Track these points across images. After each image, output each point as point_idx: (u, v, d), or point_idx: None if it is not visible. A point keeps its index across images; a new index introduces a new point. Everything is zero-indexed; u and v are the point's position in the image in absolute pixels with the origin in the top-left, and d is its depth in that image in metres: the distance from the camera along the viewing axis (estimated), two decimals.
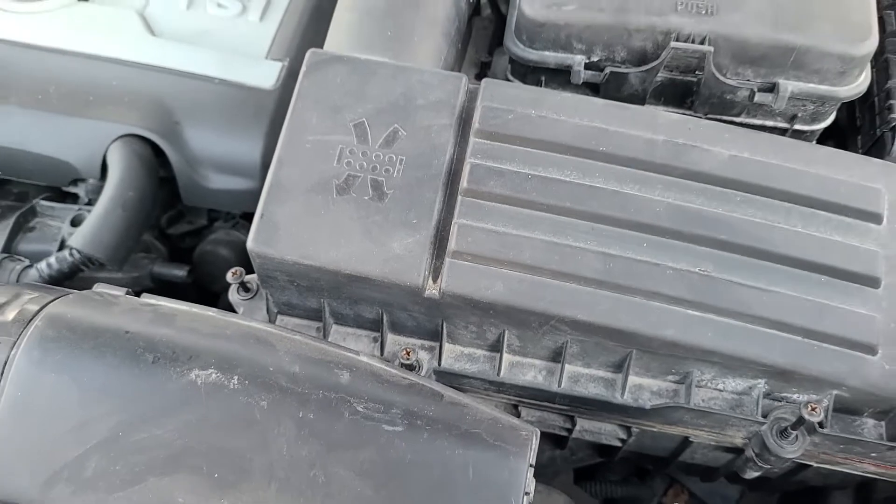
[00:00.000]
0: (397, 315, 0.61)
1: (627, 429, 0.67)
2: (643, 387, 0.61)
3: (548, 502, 0.65)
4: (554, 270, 0.56)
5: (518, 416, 0.68)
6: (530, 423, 0.66)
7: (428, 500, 0.48)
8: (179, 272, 0.86)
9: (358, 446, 0.49)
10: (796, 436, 0.56)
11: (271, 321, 0.64)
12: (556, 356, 0.61)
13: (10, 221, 0.84)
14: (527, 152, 0.60)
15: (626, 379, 0.60)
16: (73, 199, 0.88)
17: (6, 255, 0.80)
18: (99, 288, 0.60)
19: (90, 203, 0.86)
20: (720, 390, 0.61)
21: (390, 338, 0.62)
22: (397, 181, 0.58)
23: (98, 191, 0.85)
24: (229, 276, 0.64)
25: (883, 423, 0.60)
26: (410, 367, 0.59)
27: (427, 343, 0.64)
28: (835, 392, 0.57)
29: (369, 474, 0.48)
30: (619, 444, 0.70)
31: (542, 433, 0.75)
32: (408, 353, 0.59)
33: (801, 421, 0.55)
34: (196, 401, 0.50)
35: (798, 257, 0.58)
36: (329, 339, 0.64)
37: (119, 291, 0.60)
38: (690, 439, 0.65)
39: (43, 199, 0.87)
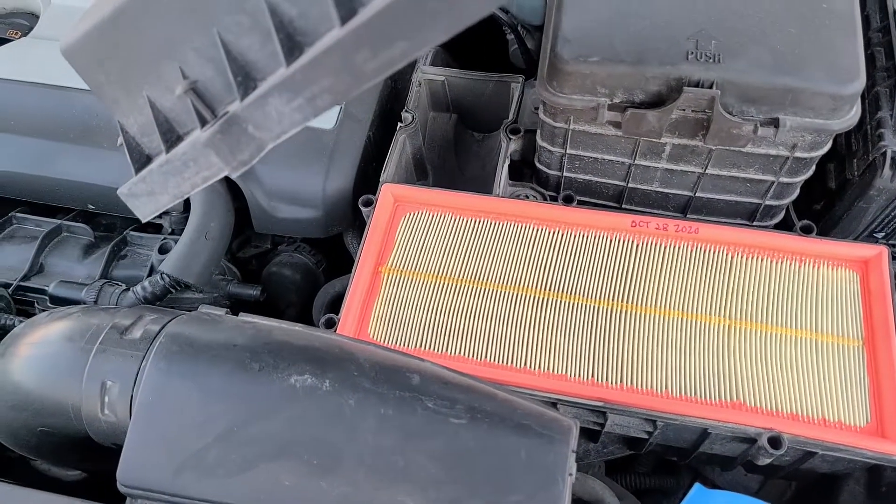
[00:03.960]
0: (190, 61, 0.56)
1: (653, 422, 0.77)
2: None
3: (585, 486, 0.75)
4: None
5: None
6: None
7: (488, 480, 0.58)
8: (253, 292, 0.98)
9: (430, 436, 0.59)
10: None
11: (137, 165, 0.61)
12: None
13: (106, 250, 0.96)
14: None
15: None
16: (157, 229, 1.00)
17: (105, 280, 0.92)
18: (204, 308, 0.71)
19: (173, 232, 0.98)
20: None
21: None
22: None
23: (181, 222, 0.97)
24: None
25: None
26: (213, 115, 0.53)
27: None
28: None
29: (441, 459, 0.58)
30: (645, 436, 0.79)
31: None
32: (189, 85, 0.53)
33: None
34: (296, 401, 0.60)
35: None
36: (172, 148, 0.58)
37: (220, 311, 0.71)
38: (709, 430, 0.75)
39: (132, 229, 0.99)
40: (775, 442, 0.71)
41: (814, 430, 0.72)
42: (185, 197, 0.61)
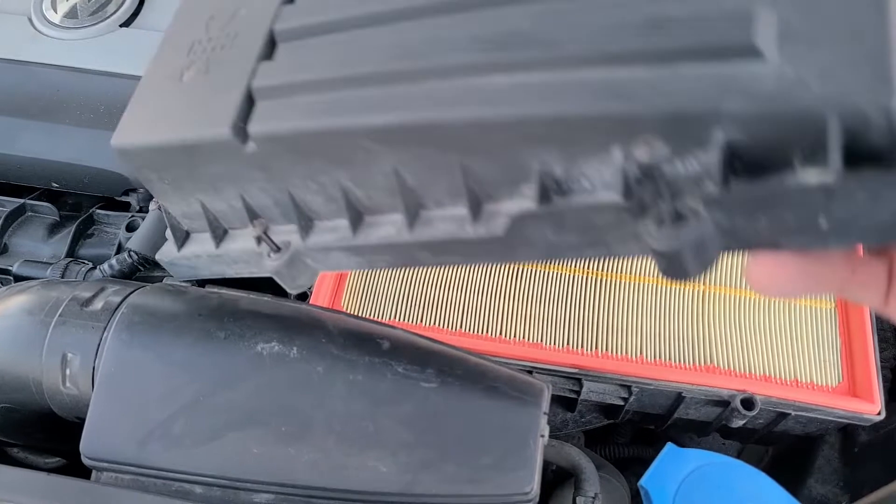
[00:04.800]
0: (253, 194, 0.58)
1: (628, 388, 0.76)
2: (499, 212, 0.49)
3: (561, 453, 0.75)
4: (345, 78, 0.49)
5: None
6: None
7: (459, 443, 0.57)
8: None
9: (400, 401, 0.58)
10: (679, 214, 0.37)
11: (180, 243, 0.63)
12: (406, 205, 0.52)
13: (71, 229, 0.93)
14: None
15: (473, 205, 0.49)
16: (125, 207, 0.98)
17: (71, 258, 0.90)
18: (168, 281, 0.70)
19: (141, 210, 0.96)
20: (588, 190, 0.44)
21: (271, 229, 0.58)
22: (227, 53, 0.55)
23: (148, 199, 0.95)
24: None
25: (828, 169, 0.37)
26: (277, 249, 0.56)
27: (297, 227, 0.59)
28: (721, 135, 0.37)
29: (411, 423, 0.57)
30: (621, 402, 0.79)
31: (554, 397, 0.85)
32: (255, 226, 0.55)
33: (653, 174, 0.35)
34: (263, 368, 0.59)
35: None
36: (223, 244, 0.62)
37: (185, 285, 0.69)
38: (683, 394, 0.75)
39: (98, 208, 0.97)
40: (748, 403, 0.71)
41: (786, 390, 0.73)
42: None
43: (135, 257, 0.87)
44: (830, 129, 0.34)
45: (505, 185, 0.49)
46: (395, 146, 0.50)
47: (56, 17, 1.00)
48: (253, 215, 0.59)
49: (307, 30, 0.55)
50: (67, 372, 0.62)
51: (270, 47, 0.55)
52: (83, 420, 0.60)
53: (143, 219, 0.90)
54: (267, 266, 0.57)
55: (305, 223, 0.57)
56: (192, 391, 0.59)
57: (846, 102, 0.34)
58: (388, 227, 0.54)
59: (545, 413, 0.59)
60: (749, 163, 0.38)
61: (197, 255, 0.66)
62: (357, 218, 0.55)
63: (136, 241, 0.87)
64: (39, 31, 0.99)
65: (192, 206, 0.61)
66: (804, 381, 0.74)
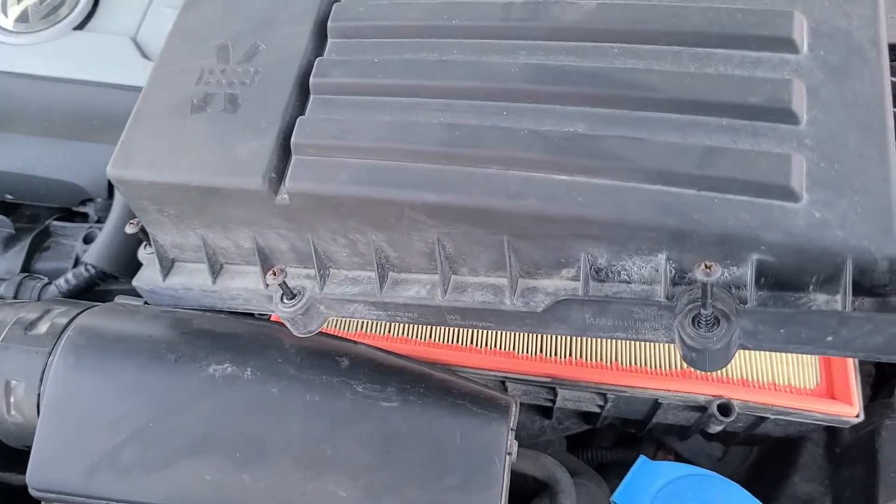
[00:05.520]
0: (268, 237, 0.58)
1: (604, 395, 0.74)
2: (537, 289, 0.53)
3: (537, 464, 0.73)
4: (397, 150, 0.51)
5: (506, 391, 0.76)
6: (516, 395, 0.73)
7: (422, 464, 0.55)
8: None
9: (359, 422, 0.56)
10: (716, 319, 0.46)
11: (165, 272, 0.63)
12: (442, 271, 0.55)
13: (26, 242, 0.90)
14: (378, 41, 0.56)
15: (512, 279, 0.53)
16: (83, 217, 0.95)
17: (26, 273, 0.86)
18: (120, 300, 0.67)
19: (100, 221, 0.92)
20: (626, 281, 0.51)
21: (273, 268, 0.58)
22: (252, 91, 0.55)
23: (106, 209, 0.91)
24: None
25: (837, 296, 0.47)
26: (292, 295, 0.56)
27: (312, 272, 0.60)
28: (755, 256, 0.46)
29: (371, 445, 0.55)
30: (598, 410, 0.77)
31: (530, 405, 0.83)
32: (274, 273, 0.54)
33: (706, 291, 0.44)
34: (215, 392, 0.57)
35: (689, 99, 0.49)
36: (219, 279, 0.61)
37: (138, 302, 0.66)
38: (660, 401, 0.72)
39: (55, 219, 0.93)
40: (725, 409, 0.69)
41: (764, 394, 0.71)
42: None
43: (92, 271, 0.83)
44: (846, 266, 0.43)
45: (548, 266, 0.52)
46: (444, 221, 0.51)
47: (7, 22, 0.96)
48: (263, 257, 0.58)
49: (348, 88, 0.54)
50: (12, 399, 0.59)
51: (303, 96, 0.55)
52: (31, 448, 0.57)
53: (101, 230, 0.87)
54: (279, 311, 0.56)
55: (324, 272, 0.57)
56: (142, 417, 0.56)
57: (860, 246, 0.43)
58: (418, 287, 0.55)
59: (512, 429, 0.57)
60: (774, 280, 0.46)
61: (187, 288, 0.62)
62: (385, 275, 0.56)
63: (93, 255, 0.84)
64: None
65: (188, 238, 0.60)
66: (782, 383, 0.72)
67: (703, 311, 0.45)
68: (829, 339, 0.46)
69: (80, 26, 0.96)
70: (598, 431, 1.02)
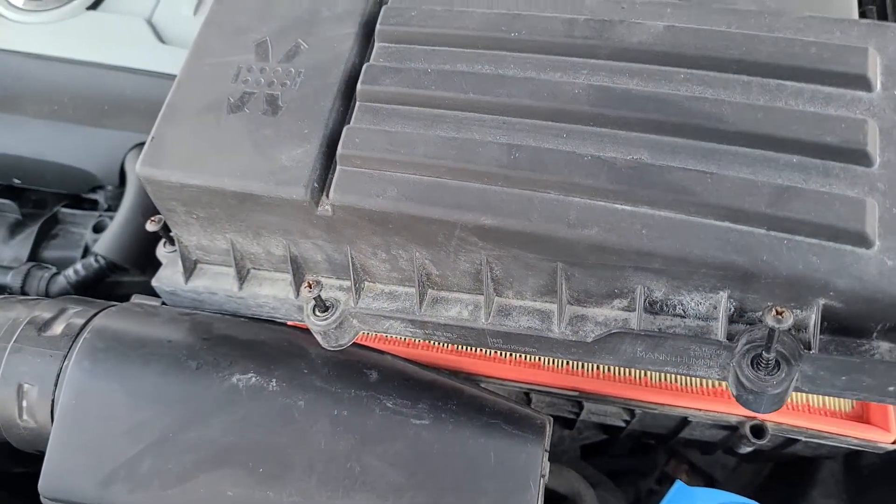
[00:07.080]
0: (303, 247, 0.55)
1: (631, 411, 0.72)
2: (586, 317, 0.51)
3: (560, 479, 0.71)
4: (453, 168, 0.49)
5: (529, 402, 0.73)
6: (541, 408, 0.71)
7: (454, 486, 0.53)
8: None
9: (389, 439, 0.53)
10: (776, 362, 0.44)
11: (188, 272, 0.61)
12: (481, 285, 0.53)
13: (34, 229, 0.87)
14: (430, 49, 0.54)
15: (561, 306, 0.51)
16: (93, 205, 0.91)
17: (34, 263, 0.83)
18: (137, 299, 0.64)
19: (110, 209, 0.89)
20: (681, 315, 0.50)
21: (307, 279, 0.56)
22: (293, 94, 0.53)
23: (117, 197, 0.88)
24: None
25: None
26: (325, 308, 0.54)
27: (346, 284, 0.57)
28: (822, 301, 0.44)
29: (400, 464, 0.53)
30: (623, 424, 0.75)
31: (551, 416, 0.81)
32: (309, 286, 0.52)
33: (772, 335, 0.42)
34: (239, 403, 0.54)
35: (760, 133, 0.47)
36: (246, 285, 0.59)
37: (155, 302, 0.64)
38: (689, 419, 0.70)
39: (64, 206, 0.90)
40: (759, 431, 0.67)
41: (798, 417, 0.68)
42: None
43: (102, 262, 0.80)
44: None
45: (599, 295, 0.50)
46: (497, 244, 0.49)
47: (19, 0, 0.92)
48: (296, 266, 0.56)
49: (397, 97, 0.52)
50: (24, 404, 0.56)
51: (346, 102, 0.53)
52: (43, 453, 0.55)
53: (111, 219, 0.83)
54: (311, 324, 0.54)
55: (359, 284, 0.55)
56: (161, 427, 0.54)
57: None
58: (460, 307, 0.53)
59: (546, 451, 0.55)
60: (837, 326, 0.45)
61: (211, 292, 0.59)
62: (424, 292, 0.54)
63: (103, 245, 0.81)
64: (0, 15, 0.91)
65: (215, 241, 0.58)
66: (816, 406, 0.70)
67: (765, 353, 0.44)
68: (892, 388, 0.45)
69: (94, 6, 0.92)
70: (612, 440, 1.01)
